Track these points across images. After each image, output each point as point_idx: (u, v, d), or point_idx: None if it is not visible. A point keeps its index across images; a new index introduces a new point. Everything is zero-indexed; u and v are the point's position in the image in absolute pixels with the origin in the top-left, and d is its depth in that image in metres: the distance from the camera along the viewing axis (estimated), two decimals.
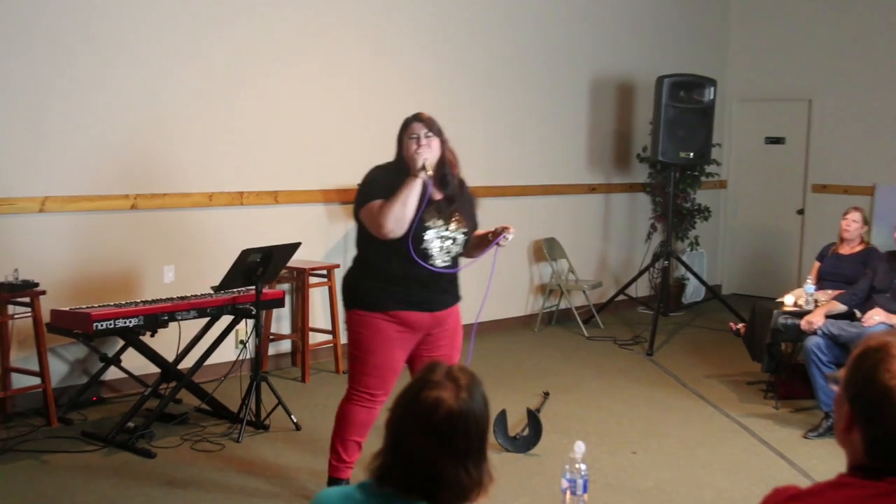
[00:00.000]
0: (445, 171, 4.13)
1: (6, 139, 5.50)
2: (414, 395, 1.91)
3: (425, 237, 4.02)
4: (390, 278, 4.05)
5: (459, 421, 1.88)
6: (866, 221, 6.72)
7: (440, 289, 4.15)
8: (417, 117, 4.10)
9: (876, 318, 5.59)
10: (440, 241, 4.07)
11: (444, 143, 4.12)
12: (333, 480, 4.27)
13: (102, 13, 5.79)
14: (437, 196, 4.11)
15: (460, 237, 4.14)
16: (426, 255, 4.04)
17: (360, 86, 7.07)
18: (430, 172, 3.99)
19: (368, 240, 4.09)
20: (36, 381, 5.48)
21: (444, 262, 4.11)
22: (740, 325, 6.81)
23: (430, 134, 4.05)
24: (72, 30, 5.67)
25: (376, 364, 4.14)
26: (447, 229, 4.09)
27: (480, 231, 4.29)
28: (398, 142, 4.13)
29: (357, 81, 7.06)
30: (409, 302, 4.07)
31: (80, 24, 5.70)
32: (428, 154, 4.01)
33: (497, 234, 4.16)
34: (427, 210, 4.02)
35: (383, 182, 4.05)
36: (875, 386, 1.73)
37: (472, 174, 7.87)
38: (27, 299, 5.35)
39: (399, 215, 3.93)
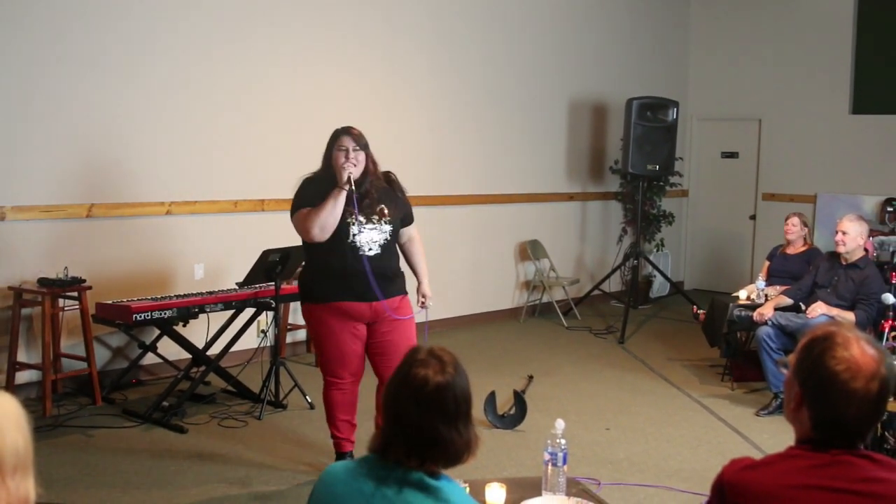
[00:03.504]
0: (367, 180, 4.06)
1: (58, 155, 5.48)
2: (404, 374, 1.93)
3: (351, 232, 3.99)
4: (330, 272, 4.03)
5: (447, 390, 1.90)
6: (806, 224, 6.73)
7: (378, 281, 4.03)
8: (347, 131, 4.04)
9: (819, 310, 5.58)
10: (367, 234, 4.02)
11: (368, 155, 4.06)
12: (339, 455, 4.28)
13: (138, 36, 5.78)
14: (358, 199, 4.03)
15: (386, 227, 4.08)
16: (355, 247, 4.00)
17: (369, 103, 7.04)
18: (352, 187, 3.95)
19: (307, 241, 4.06)
20: (83, 365, 5.47)
21: (374, 251, 4.04)
22: (700, 311, 6.80)
23: (357, 148, 4.00)
24: (115, 52, 5.66)
25: (331, 350, 4.13)
26: (371, 223, 4.03)
27: (422, 274, 4.34)
28: (327, 150, 4.08)
29: (365, 101, 7.04)
30: (346, 293, 4.03)
31: (140, 49, 5.69)
32: (353, 169, 3.97)
33: (423, 302, 4.30)
34: (350, 212, 3.99)
35: (311, 192, 4.04)
36: (823, 371, 1.73)
37: (467, 183, 7.96)
38: (75, 294, 5.33)
39: (323, 222, 3.93)
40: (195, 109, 6.10)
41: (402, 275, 4.26)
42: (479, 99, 8.01)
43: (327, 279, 4.05)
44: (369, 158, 4.09)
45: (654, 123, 8.34)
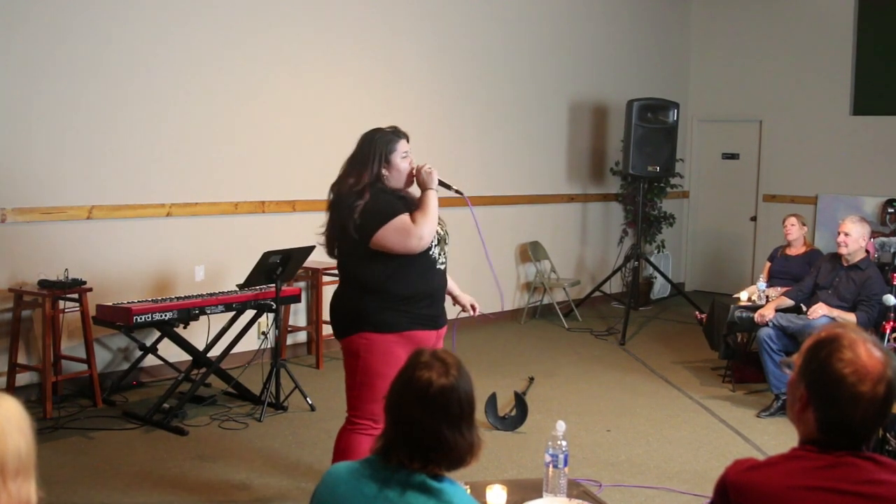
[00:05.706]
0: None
1: (59, 155, 5.48)
2: (408, 376, 1.93)
3: (432, 242, 3.52)
4: (403, 296, 3.43)
5: (452, 392, 1.90)
6: (804, 223, 6.75)
7: (442, 305, 3.61)
8: (402, 134, 3.53)
9: (819, 311, 5.57)
10: (439, 246, 3.58)
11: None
12: None
13: (139, 38, 5.78)
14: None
15: (448, 238, 3.67)
16: (434, 261, 3.53)
17: (369, 105, 7.04)
18: (455, 189, 3.63)
19: (375, 261, 3.41)
20: (83, 367, 5.47)
21: (442, 264, 3.61)
22: (703, 315, 6.81)
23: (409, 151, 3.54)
24: (116, 55, 5.66)
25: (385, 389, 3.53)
26: (441, 231, 3.60)
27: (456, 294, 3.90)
28: (375, 155, 3.44)
29: (365, 102, 7.04)
30: (420, 321, 3.48)
31: (141, 52, 5.69)
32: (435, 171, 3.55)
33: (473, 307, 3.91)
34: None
35: (393, 199, 3.45)
36: (830, 373, 1.73)
37: (468, 185, 7.89)
38: (76, 295, 5.33)
39: (433, 227, 3.43)
40: (196, 111, 6.10)
41: None
42: (479, 100, 8.01)
43: (399, 304, 3.43)
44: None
45: (654, 125, 8.34)
